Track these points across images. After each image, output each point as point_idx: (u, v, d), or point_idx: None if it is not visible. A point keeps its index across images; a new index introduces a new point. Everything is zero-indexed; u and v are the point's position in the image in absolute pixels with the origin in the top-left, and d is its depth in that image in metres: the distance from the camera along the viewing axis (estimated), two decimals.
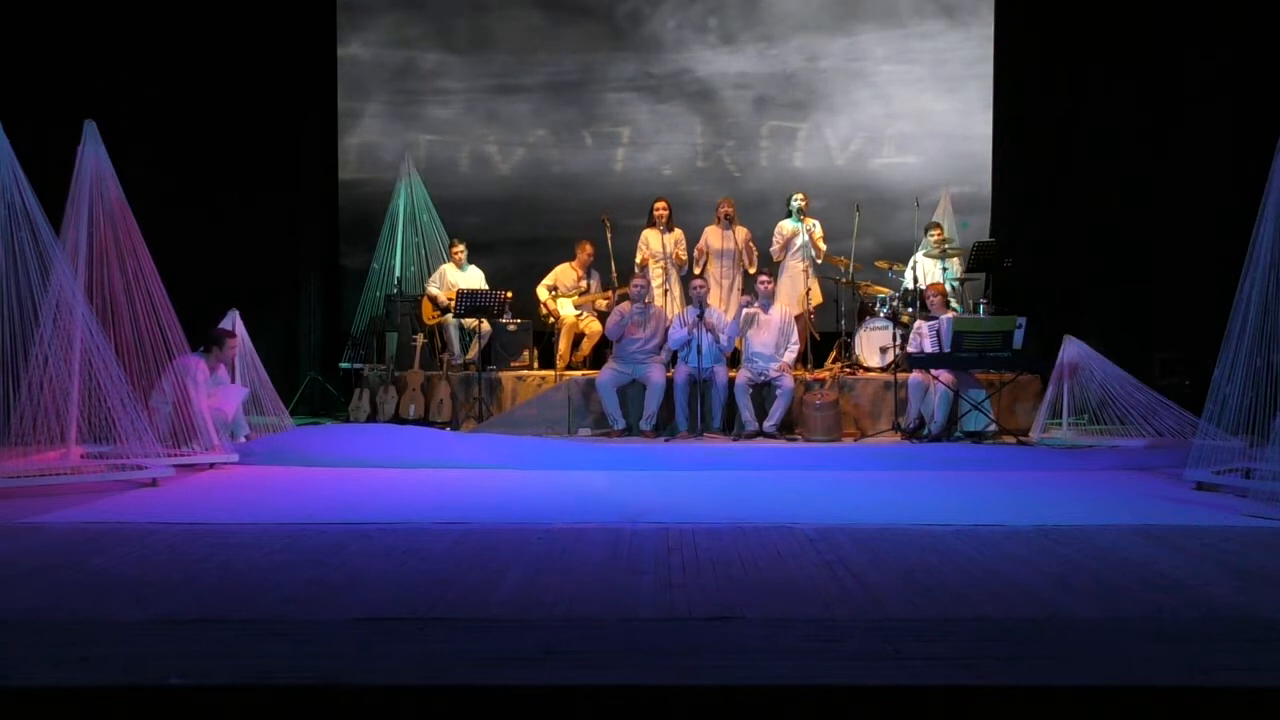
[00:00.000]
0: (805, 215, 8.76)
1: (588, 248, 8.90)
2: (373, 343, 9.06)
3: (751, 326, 7.95)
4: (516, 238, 10.11)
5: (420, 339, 8.65)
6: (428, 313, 8.90)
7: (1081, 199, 9.59)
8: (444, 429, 8.08)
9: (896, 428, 7.76)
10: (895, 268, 8.96)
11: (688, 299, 8.42)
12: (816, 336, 8.81)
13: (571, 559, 3.69)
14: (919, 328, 7.69)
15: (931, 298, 7.87)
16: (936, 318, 7.69)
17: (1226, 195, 7.97)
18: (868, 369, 8.45)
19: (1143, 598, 3.20)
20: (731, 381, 7.83)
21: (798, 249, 8.72)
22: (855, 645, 2.68)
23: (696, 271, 8.74)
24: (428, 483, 5.69)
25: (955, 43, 10.10)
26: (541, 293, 8.82)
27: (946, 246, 8.69)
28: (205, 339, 6.66)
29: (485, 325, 8.55)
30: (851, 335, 8.74)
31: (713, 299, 8.44)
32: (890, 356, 8.11)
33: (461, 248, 9.08)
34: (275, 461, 6.39)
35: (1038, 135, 9.78)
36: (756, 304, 8.03)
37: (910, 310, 8.35)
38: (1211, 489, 5.31)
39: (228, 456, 6.26)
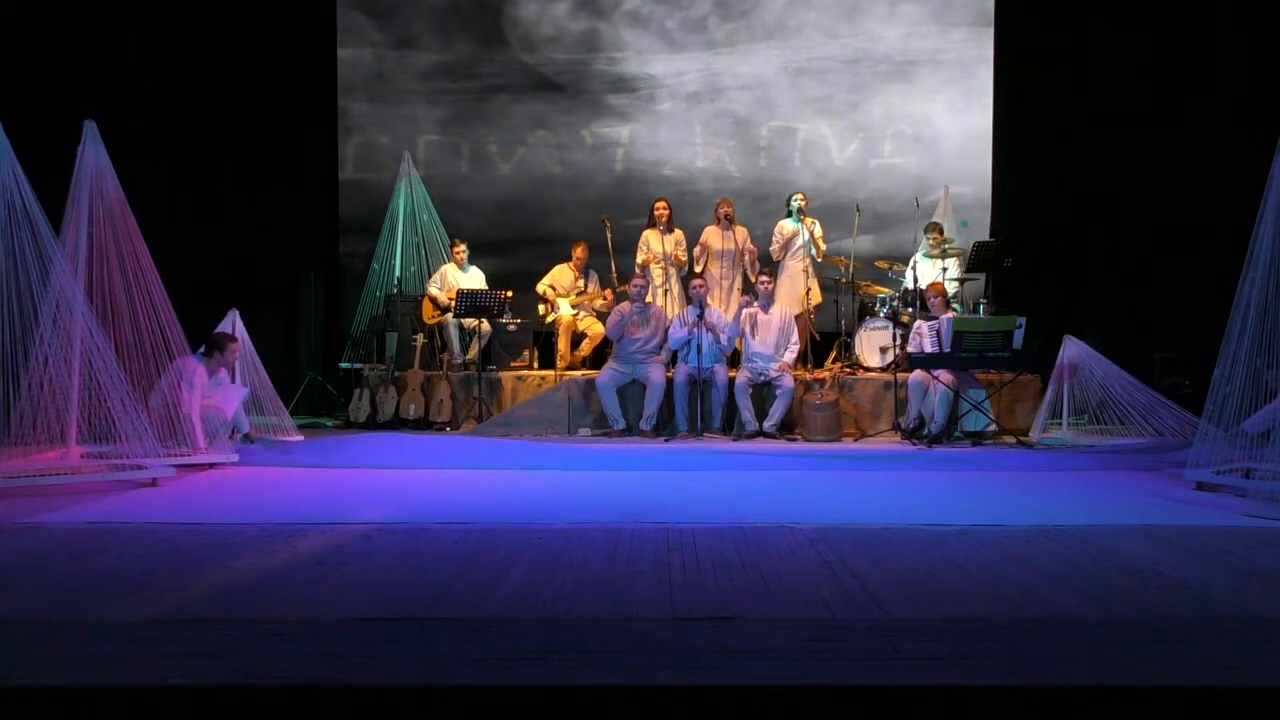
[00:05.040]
0: (805, 215, 8.76)
1: (581, 248, 8.91)
2: (373, 343, 9.06)
3: (751, 327, 7.96)
4: (516, 238, 10.12)
5: (420, 339, 8.65)
6: (428, 313, 8.90)
7: (1082, 199, 9.60)
8: (444, 429, 8.09)
9: (896, 428, 7.76)
10: (895, 268, 8.96)
11: (688, 299, 8.43)
12: (816, 336, 8.82)
13: (571, 559, 3.68)
14: (919, 328, 7.69)
15: (932, 298, 7.86)
16: (937, 318, 7.69)
17: (1227, 195, 7.97)
18: (868, 369, 8.45)
19: (1143, 598, 3.19)
20: (731, 381, 7.83)
21: (798, 249, 8.72)
22: (855, 645, 2.68)
23: (698, 270, 8.75)
24: (428, 483, 5.69)
25: (955, 42, 10.10)
26: (547, 293, 8.81)
27: (946, 247, 8.69)
28: (207, 343, 6.66)
29: (485, 325, 8.55)
30: (851, 335, 8.74)
31: (713, 299, 8.45)
32: (890, 356, 8.11)
33: (463, 248, 9.08)
34: (275, 462, 6.40)
35: (1038, 135, 9.79)
36: (756, 304, 8.03)
37: (910, 310, 8.35)
38: (1211, 489, 5.31)
39: (228, 457, 6.26)
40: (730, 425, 7.86)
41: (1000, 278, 9.12)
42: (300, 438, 7.32)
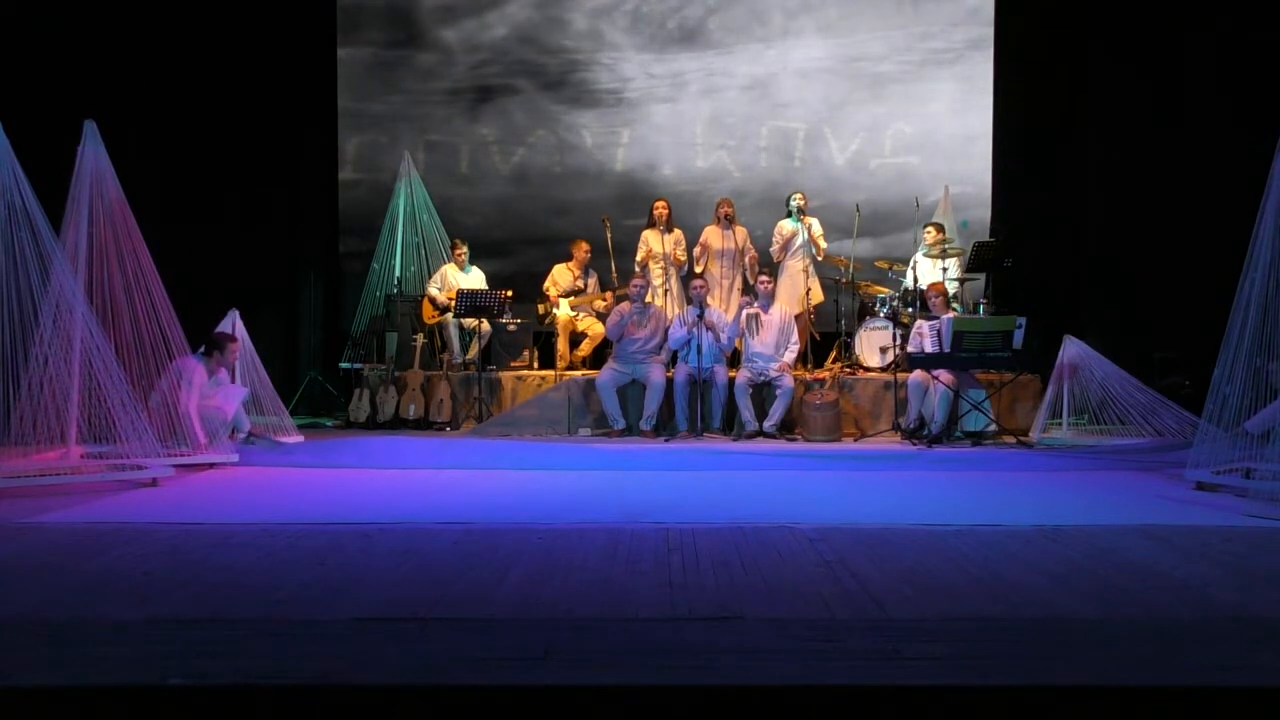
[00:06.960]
0: (804, 214, 8.76)
1: (584, 247, 8.91)
2: (373, 343, 9.06)
3: (751, 327, 7.96)
4: (516, 238, 10.13)
5: (420, 339, 8.65)
6: (427, 313, 8.90)
7: (1082, 199, 9.60)
8: (444, 429, 8.08)
9: (896, 428, 7.76)
10: (895, 268, 8.96)
11: (688, 299, 8.43)
12: (816, 336, 8.82)
13: (571, 559, 3.68)
14: (919, 327, 7.69)
15: (933, 298, 7.87)
16: (937, 318, 7.69)
17: (1227, 195, 7.97)
18: (868, 369, 8.45)
19: (1143, 598, 3.19)
20: (731, 381, 7.82)
21: (797, 249, 8.72)
22: (855, 645, 2.68)
23: (698, 270, 8.75)
24: (428, 483, 5.69)
25: (955, 41, 10.10)
26: (552, 292, 8.80)
27: (946, 246, 8.68)
28: (207, 343, 6.66)
29: (485, 325, 8.55)
30: (851, 335, 8.74)
31: (713, 299, 8.45)
32: (890, 356, 8.11)
33: (464, 249, 9.08)
34: (275, 462, 6.39)
35: (1038, 135, 9.79)
36: (756, 304, 8.03)
37: (910, 310, 8.35)
38: (1212, 489, 5.30)
39: (228, 457, 6.25)
40: (730, 425, 7.86)
41: (1000, 278, 9.11)
42: (300, 438, 7.31)
